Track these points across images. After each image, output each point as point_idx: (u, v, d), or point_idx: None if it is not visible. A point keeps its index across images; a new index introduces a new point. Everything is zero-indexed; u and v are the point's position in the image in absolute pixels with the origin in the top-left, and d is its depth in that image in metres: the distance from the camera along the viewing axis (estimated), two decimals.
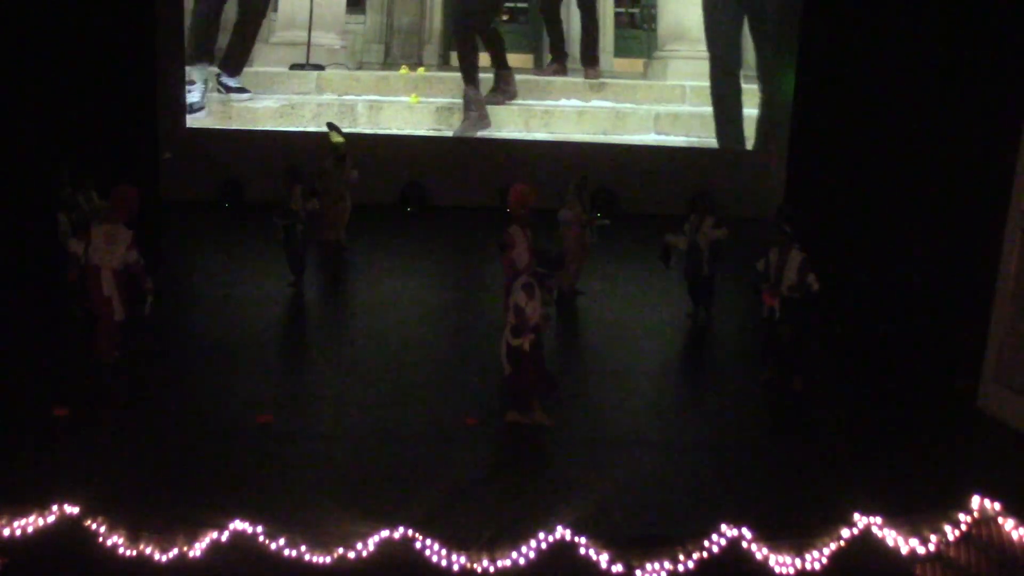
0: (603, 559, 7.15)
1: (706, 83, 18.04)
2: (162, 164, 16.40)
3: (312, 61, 17.98)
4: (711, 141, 18.08)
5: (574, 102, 18.14)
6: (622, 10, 18.49)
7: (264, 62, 17.93)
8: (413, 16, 18.04)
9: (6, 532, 7.16)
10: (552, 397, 9.29)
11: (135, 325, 10.56)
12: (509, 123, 17.95)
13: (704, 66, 18.06)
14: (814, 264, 10.03)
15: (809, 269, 9.99)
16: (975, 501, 7.82)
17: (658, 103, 18.15)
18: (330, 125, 14.92)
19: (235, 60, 17.83)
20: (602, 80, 18.20)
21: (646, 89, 18.22)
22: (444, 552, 7.14)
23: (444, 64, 18.30)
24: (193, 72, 17.63)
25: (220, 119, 17.68)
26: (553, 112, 18.07)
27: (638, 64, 18.47)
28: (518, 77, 18.12)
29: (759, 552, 7.30)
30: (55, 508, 7.29)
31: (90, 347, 9.84)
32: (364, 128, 17.68)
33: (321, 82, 17.99)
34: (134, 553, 7.09)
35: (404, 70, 17.97)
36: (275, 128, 17.59)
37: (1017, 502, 7.82)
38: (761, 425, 9.63)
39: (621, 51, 18.50)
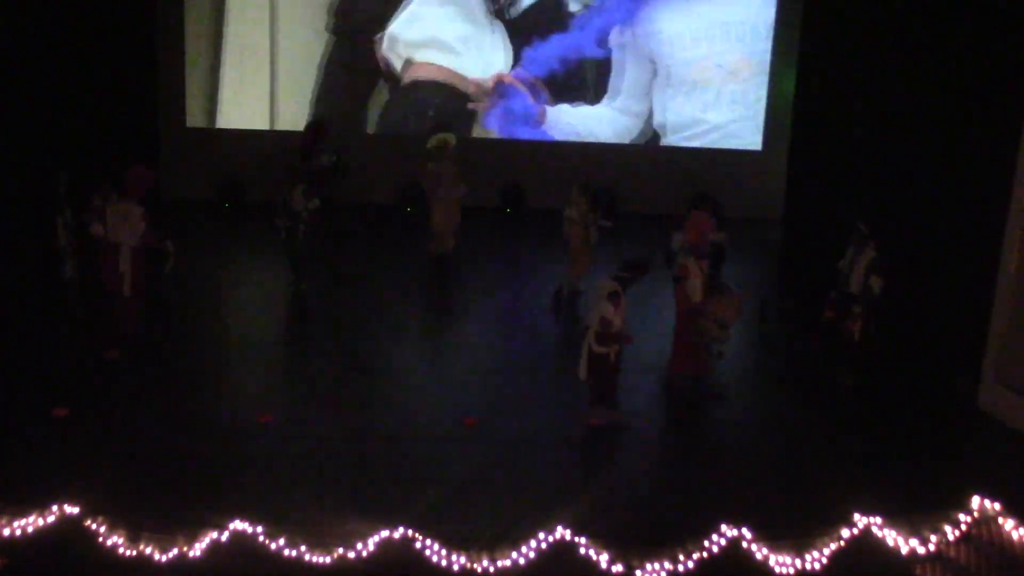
0: (603, 559, 7.16)
1: None
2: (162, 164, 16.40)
3: None
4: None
5: None
6: None
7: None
8: None
9: (6, 532, 7.17)
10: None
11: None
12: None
13: None
14: (813, 269, 10.05)
15: (875, 271, 10.00)
16: (975, 501, 7.82)
17: None
18: (442, 124, 14.96)
19: None
20: None
21: None
22: (444, 552, 7.15)
23: None
24: None
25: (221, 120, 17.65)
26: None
27: None
28: None
29: (759, 552, 7.31)
30: (55, 508, 7.30)
31: (100, 338, 10.32)
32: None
33: None
34: (134, 553, 7.10)
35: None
36: (275, 128, 17.56)
37: (1017, 502, 7.82)
38: (761, 425, 9.63)
39: None
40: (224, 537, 7.18)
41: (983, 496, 7.84)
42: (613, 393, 9.36)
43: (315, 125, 14.97)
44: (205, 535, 7.18)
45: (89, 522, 7.23)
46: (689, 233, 10.05)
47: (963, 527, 7.69)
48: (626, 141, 17.29)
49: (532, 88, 17.20)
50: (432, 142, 14.38)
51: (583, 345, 9.15)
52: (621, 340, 9.13)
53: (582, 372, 9.16)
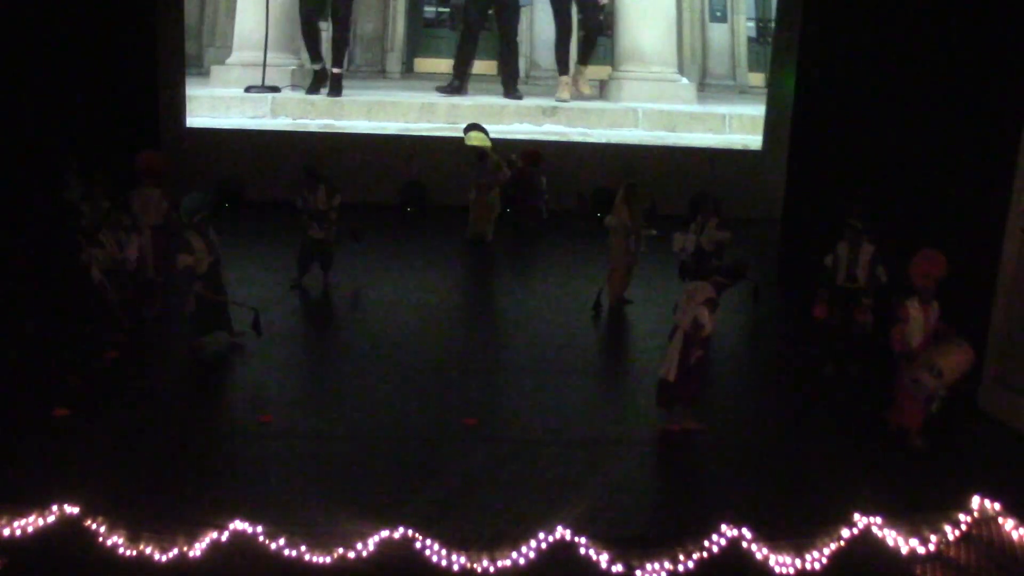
0: (603, 559, 7.15)
1: (659, 106, 17.84)
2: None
3: (268, 83, 17.80)
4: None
5: (526, 126, 17.90)
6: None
7: (220, 83, 17.75)
8: (376, 24, 17.90)
9: (6, 532, 7.16)
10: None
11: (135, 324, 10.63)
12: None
13: (658, 87, 17.90)
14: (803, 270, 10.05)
15: (880, 262, 10.19)
16: (975, 501, 7.82)
17: (611, 127, 17.92)
18: (471, 126, 15.77)
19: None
20: (555, 104, 17.97)
21: (599, 114, 17.98)
22: (444, 552, 7.15)
23: (408, 72, 18.17)
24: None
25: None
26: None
27: (603, 71, 18.18)
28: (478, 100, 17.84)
29: (759, 552, 7.30)
30: (55, 508, 7.30)
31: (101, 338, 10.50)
32: (361, 129, 17.67)
33: (275, 105, 17.84)
34: (134, 553, 7.10)
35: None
36: (275, 128, 17.58)
37: (1017, 502, 7.82)
38: (761, 425, 9.63)
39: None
40: (224, 537, 7.18)
41: (983, 496, 7.84)
42: (695, 398, 9.20)
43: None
44: (205, 535, 7.18)
45: (89, 522, 7.23)
46: (914, 272, 9.11)
47: (963, 527, 7.69)
48: None
49: None
50: (469, 142, 15.62)
51: (671, 346, 9.04)
52: (705, 345, 8.99)
53: (671, 373, 9.00)
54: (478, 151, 15.47)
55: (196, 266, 10.21)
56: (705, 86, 18.19)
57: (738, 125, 17.93)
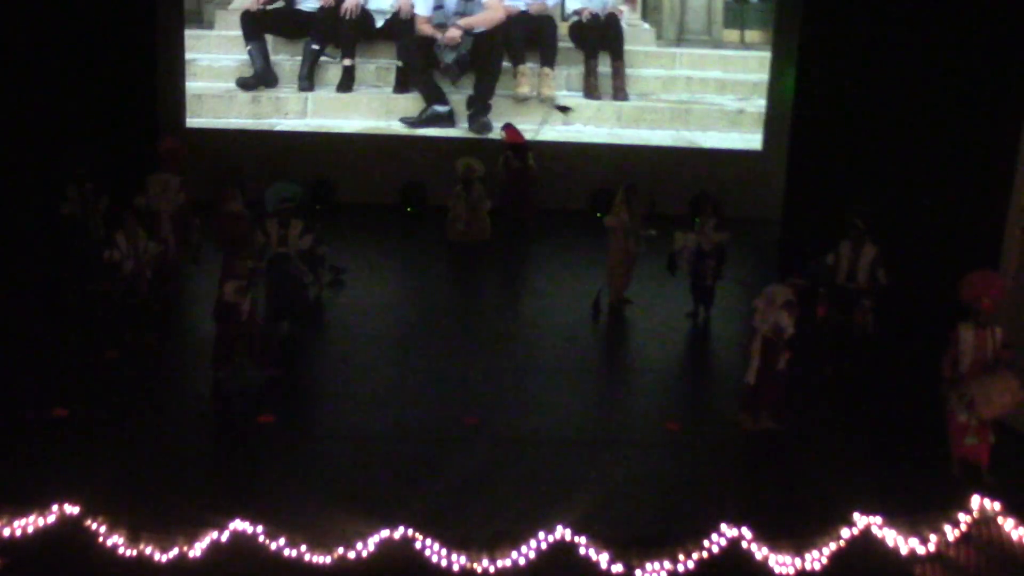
0: (603, 559, 7.16)
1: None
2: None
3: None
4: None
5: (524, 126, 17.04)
6: None
7: (225, 27, 17.02)
8: None
9: (6, 532, 7.17)
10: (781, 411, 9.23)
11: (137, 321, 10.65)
12: None
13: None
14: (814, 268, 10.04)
15: (881, 264, 10.16)
16: (975, 501, 7.83)
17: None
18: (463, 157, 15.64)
19: None
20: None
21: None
22: (444, 552, 7.16)
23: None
24: None
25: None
26: None
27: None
28: None
29: (759, 552, 7.31)
30: (55, 508, 7.30)
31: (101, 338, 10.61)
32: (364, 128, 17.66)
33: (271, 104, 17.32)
34: (134, 553, 7.11)
35: None
36: (276, 128, 17.56)
37: (1017, 502, 7.83)
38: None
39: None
40: (224, 537, 7.19)
41: (983, 496, 7.85)
42: (782, 402, 9.22)
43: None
44: (205, 535, 7.19)
45: (89, 522, 7.24)
46: (963, 294, 8.61)
47: (963, 527, 7.69)
48: None
49: None
50: (459, 168, 15.23)
51: (751, 350, 9.07)
52: (792, 347, 8.98)
53: (752, 377, 9.04)
54: (464, 180, 15.19)
55: (265, 247, 10.82)
56: (683, 41, 18.35)
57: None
